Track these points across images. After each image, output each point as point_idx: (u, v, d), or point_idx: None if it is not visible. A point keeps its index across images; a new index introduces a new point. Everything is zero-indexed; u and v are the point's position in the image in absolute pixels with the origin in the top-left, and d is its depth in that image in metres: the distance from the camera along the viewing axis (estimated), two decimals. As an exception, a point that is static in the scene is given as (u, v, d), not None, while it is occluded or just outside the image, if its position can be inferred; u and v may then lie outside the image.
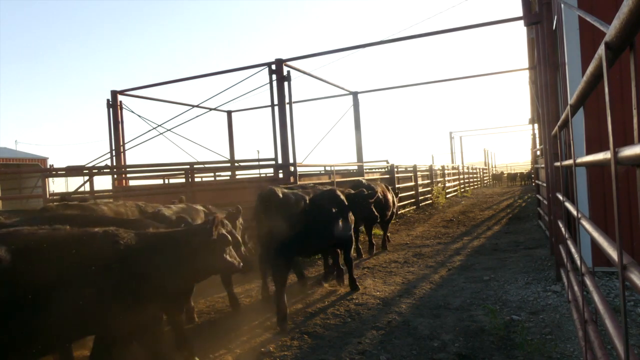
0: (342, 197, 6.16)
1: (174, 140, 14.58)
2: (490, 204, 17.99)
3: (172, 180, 12.07)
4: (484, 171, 38.61)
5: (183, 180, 9.55)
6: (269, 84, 9.61)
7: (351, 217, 6.23)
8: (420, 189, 17.48)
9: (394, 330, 4.62)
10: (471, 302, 5.36)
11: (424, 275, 6.94)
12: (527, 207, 15.50)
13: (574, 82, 5.60)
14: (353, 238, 6.49)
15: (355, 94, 14.62)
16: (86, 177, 9.34)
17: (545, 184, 8.37)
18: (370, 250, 9.00)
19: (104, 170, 10.61)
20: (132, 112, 12.05)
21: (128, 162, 12.15)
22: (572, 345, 3.94)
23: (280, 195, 5.21)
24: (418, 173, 17.39)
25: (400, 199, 14.02)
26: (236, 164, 11.32)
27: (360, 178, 11.26)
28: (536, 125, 13.31)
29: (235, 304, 5.67)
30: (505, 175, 39.86)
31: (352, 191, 6.71)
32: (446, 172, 22.71)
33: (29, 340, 2.70)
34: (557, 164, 4.51)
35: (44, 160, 25.64)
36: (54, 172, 9.74)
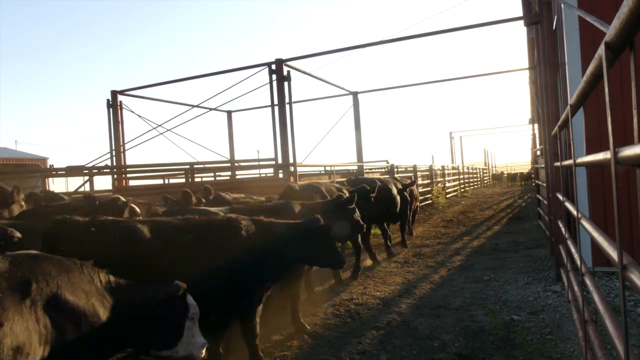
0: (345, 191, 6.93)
1: (174, 140, 14.58)
2: (490, 204, 17.99)
3: (172, 180, 12.07)
4: (484, 171, 38.59)
5: (183, 180, 9.56)
6: (269, 84, 9.62)
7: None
8: (420, 189, 17.48)
9: (394, 330, 4.62)
10: (471, 302, 5.36)
11: (424, 275, 6.94)
12: (527, 207, 15.49)
13: (574, 82, 5.60)
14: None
15: (355, 94, 14.62)
16: (86, 177, 9.35)
17: (545, 184, 8.37)
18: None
19: (104, 170, 10.62)
20: (132, 112, 12.07)
21: (128, 162, 12.16)
22: (572, 345, 3.94)
23: (297, 188, 6.31)
24: (418, 173, 17.39)
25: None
26: (236, 164, 11.33)
27: (396, 175, 12.46)
28: (536, 125, 13.31)
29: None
30: (505, 175, 39.85)
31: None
32: (446, 172, 22.70)
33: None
34: (557, 164, 4.51)
35: (44, 160, 25.64)
36: (54, 172, 9.76)
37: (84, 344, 2.30)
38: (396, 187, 8.86)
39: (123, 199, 4.79)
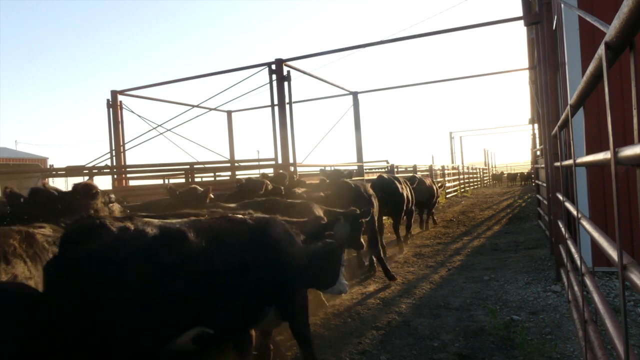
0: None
1: (174, 140, 14.58)
2: (490, 204, 17.99)
3: (172, 180, 12.05)
4: (484, 171, 38.58)
5: (183, 180, 9.55)
6: (269, 84, 9.62)
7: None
8: (420, 189, 17.46)
9: (394, 330, 4.62)
10: (471, 302, 5.36)
11: (424, 275, 6.94)
12: (527, 207, 15.49)
13: (574, 82, 5.60)
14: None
15: (355, 94, 14.62)
16: (86, 177, 9.34)
17: (545, 184, 8.37)
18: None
19: (104, 170, 10.61)
20: (132, 112, 12.06)
21: (128, 162, 12.15)
22: (572, 345, 3.94)
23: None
24: (418, 173, 17.39)
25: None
26: (236, 164, 11.32)
27: (415, 175, 13.37)
28: (536, 125, 13.31)
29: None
30: (505, 175, 39.84)
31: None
32: (446, 172, 22.70)
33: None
34: (557, 164, 4.51)
35: (44, 160, 25.65)
36: (54, 172, 9.76)
37: (297, 280, 3.34)
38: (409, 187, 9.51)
39: (200, 188, 5.22)
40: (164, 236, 2.56)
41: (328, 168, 11.34)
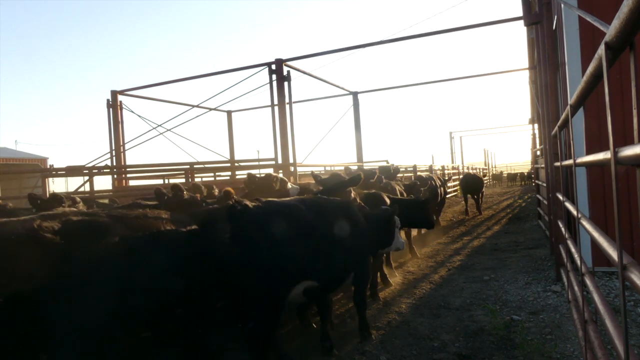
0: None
1: (174, 140, 14.57)
2: (490, 204, 17.98)
3: (172, 180, 12.05)
4: (484, 171, 38.50)
5: (183, 180, 9.55)
6: (269, 84, 9.61)
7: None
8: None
9: (394, 330, 4.62)
10: (471, 302, 5.36)
11: (424, 275, 6.93)
12: (527, 207, 15.49)
13: (574, 82, 5.60)
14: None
15: (355, 94, 14.62)
16: (86, 177, 9.34)
17: (545, 184, 8.37)
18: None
19: (104, 170, 10.62)
20: (132, 112, 12.07)
21: (128, 162, 12.15)
22: (572, 345, 3.94)
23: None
24: (418, 173, 17.37)
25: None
26: (236, 164, 11.32)
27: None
28: (536, 125, 13.31)
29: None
30: (505, 175, 39.79)
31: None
32: (446, 172, 22.68)
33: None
34: (557, 164, 4.51)
35: (44, 160, 25.66)
36: (54, 172, 9.76)
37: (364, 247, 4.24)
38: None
39: (275, 175, 5.66)
40: (287, 208, 3.53)
41: (328, 168, 11.35)
